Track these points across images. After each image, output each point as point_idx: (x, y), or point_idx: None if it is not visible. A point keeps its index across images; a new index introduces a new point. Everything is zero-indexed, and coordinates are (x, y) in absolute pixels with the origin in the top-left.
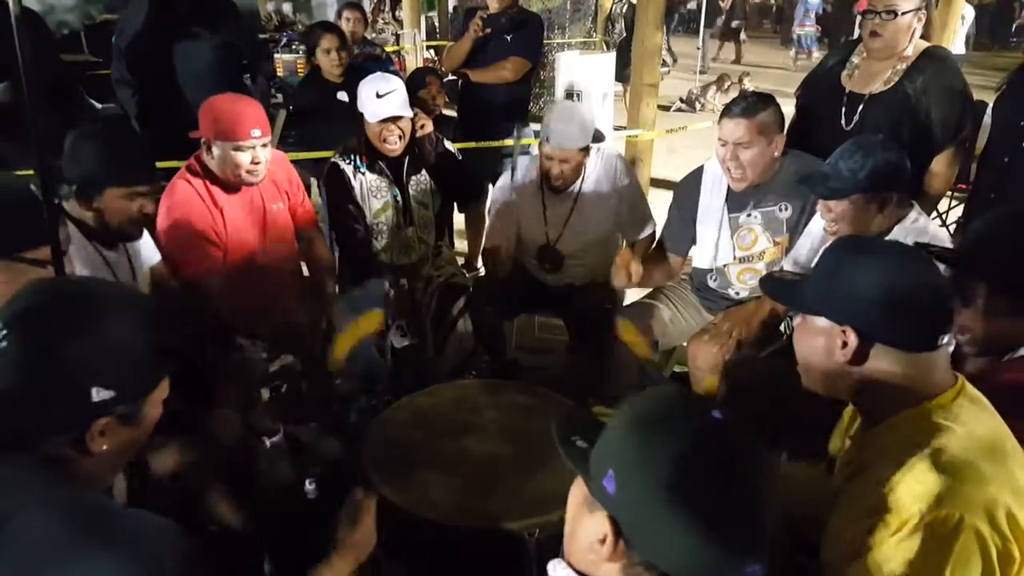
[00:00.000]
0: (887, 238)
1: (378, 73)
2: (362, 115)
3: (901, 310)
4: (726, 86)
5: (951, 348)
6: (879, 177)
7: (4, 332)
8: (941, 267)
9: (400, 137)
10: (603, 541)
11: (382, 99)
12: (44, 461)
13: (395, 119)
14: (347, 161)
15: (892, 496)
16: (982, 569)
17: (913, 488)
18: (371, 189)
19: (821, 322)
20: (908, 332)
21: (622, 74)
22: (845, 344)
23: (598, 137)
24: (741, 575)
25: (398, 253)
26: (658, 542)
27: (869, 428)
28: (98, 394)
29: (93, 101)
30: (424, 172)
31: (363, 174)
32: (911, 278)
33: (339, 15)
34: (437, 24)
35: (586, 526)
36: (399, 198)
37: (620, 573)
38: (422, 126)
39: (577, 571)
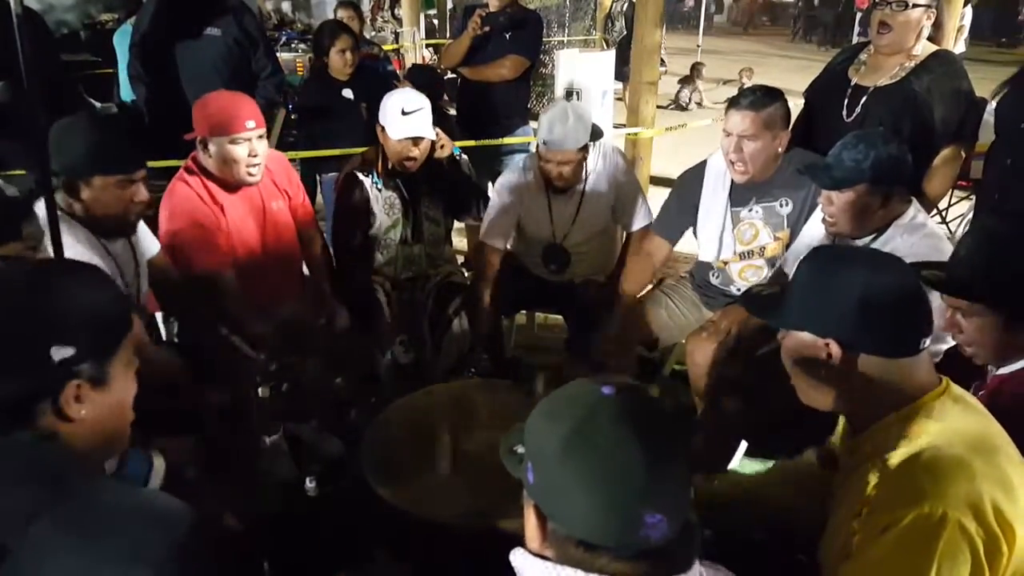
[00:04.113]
0: (885, 234)
1: (406, 89)
2: (383, 128)
3: (882, 318)
4: (701, 72)
5: (940, 346)
6: (883, 168)
7: None
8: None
9: (418, 157)
10: (535, 526)
11: (407, 117)
12: (40, 438)
13: (417, 139)
14: (365, 174)
15: (878, 496)
16: (971, 563)
17: (898, 487)
18: (385, 206)
19: (804, 336)
20: (891, 339)
21: (622, 72)
22: (830, 356)
23: (596, 134)
24: (642, 525)
25: (402, 268)
26: (567, 513)
27: (857, 434)
28: (58, 352)
29: (92, 100)
30: (437, 189)
31: (379, 191)
32: (888, 285)
33: (334, 14)
34: (436, 22)
35: (527, 516)
36: (410, 216)
37: (554, 550)
38: (442, 146)
39: (533, 554)
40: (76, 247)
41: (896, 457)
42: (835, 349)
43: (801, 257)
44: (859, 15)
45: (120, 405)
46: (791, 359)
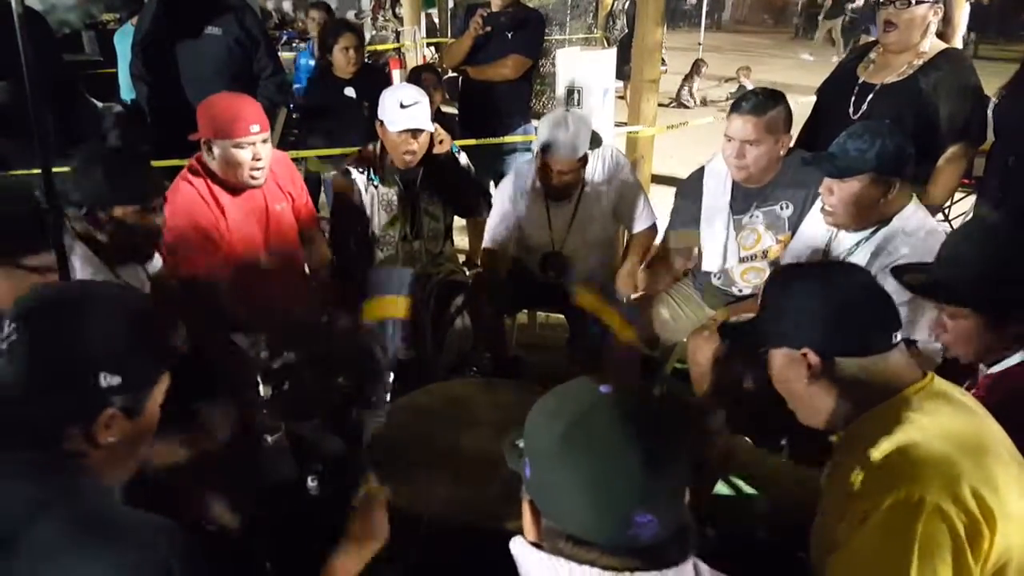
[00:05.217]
0: (885, 229)
1: (404, 83)
2: (381, 123)
3: (846, 320)
4: (701, 71)
5: (937, 346)
6: (887, 159)
7: (14, 326)
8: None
9: (417, 150)
10: (531, 520)
11: (405, 110)
12: (62, 458)
13: (415, 132)
14: (360, 171)
15: (858, 486)
16: (952, 546)
17: (877, 476)
18: (382, 202)
19: (784, 352)
20: (859, 338)
21: (623, 71)
22: (810, 366)
23: (596, 141)
24: (631, 525)
25: (402, 265)
26: (559, 509)
27: (844, 429)
28: (105, 379)
29: (94, 100)
30: (436, 186)
31: (375, 187)
32: (849, 288)
33: (306, 14)
34: (437, 21)
35: (524, 510)
36: (409, 212)
37: (548, 543)
38: (440, 142)
39: (532, 544)
40: (82, 268)
41: (878, 448)
42: (812, 357)
43: (799, 256)
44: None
45: (143, 435)
46: (779, 376)
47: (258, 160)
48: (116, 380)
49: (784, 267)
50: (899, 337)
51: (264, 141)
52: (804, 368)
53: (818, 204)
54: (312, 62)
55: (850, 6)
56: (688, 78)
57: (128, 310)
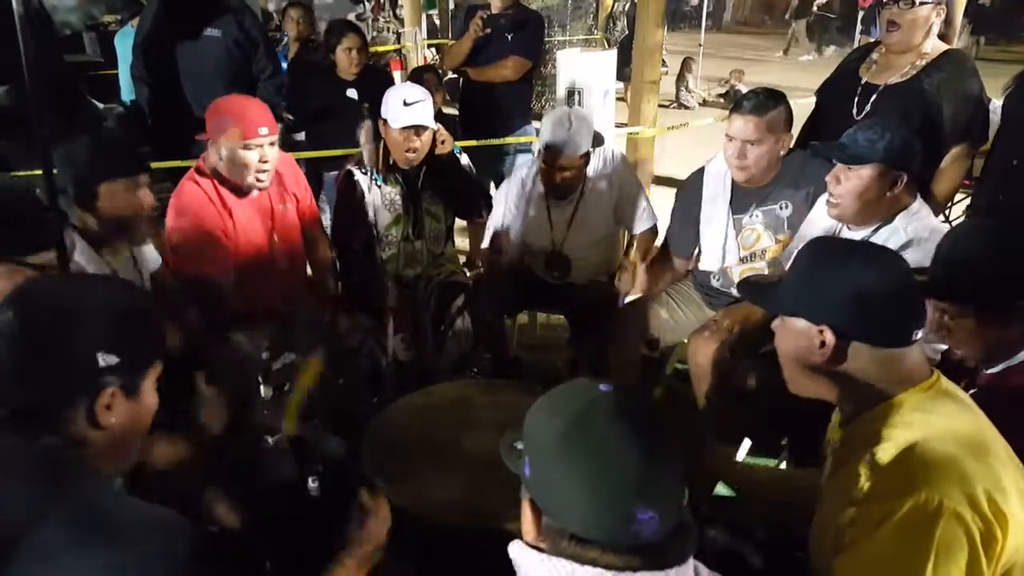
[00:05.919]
0: (889, 226)
1: (407, 83)
2: (384, 121)
3: (875, 307)
4: (691, 67)
5: (940, 345)
6: (896, 151)
7: (10, 312)
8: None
9: (420, 148)
10: (531, 520)
11: (409, 107)
12: (65, 444)
13: (418, 129)
14: (363, 171)
15: (872, 487)
16: (967, 551)
17: (892, 479)
18: (384, 202)
19: (799, 323)
20: (883, 328)
21: (623, 72)
22: (823, 343)
23: (597, 140)
24: (633, 521)
25: (404, 265)
26: (560, 507)
27: (848, 424)
28: (104, 359)
29: (95, 101)
30: (438, 186)
31: (378, 187)
32: (884, 275)
33: (283, 13)
34: (438, 22)
35: (523, 510)
36: (411, 212)
37: (548, 542)
38: (442, 142)
39: (530, 546)
40: (78, 260)
41: (888, 449)
42: (828, 336)
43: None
44: (861, 14)
45: (142, 418)
46: (785, 347)
47: (264, 162)
48: (114, 360)
49: (824, 238)
50: (919, 334)
51: (271, 144)
52: (816, 344)
53: (819, 203)
54: (285, 65)
55: (817, 4)
56: (680, 78)
57: (119, 294)
